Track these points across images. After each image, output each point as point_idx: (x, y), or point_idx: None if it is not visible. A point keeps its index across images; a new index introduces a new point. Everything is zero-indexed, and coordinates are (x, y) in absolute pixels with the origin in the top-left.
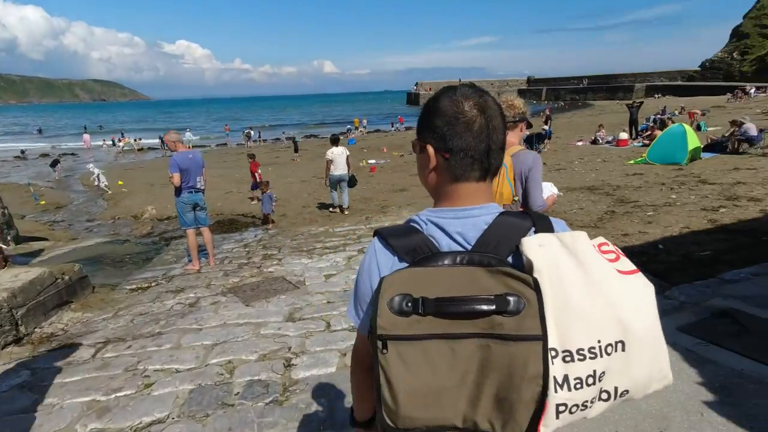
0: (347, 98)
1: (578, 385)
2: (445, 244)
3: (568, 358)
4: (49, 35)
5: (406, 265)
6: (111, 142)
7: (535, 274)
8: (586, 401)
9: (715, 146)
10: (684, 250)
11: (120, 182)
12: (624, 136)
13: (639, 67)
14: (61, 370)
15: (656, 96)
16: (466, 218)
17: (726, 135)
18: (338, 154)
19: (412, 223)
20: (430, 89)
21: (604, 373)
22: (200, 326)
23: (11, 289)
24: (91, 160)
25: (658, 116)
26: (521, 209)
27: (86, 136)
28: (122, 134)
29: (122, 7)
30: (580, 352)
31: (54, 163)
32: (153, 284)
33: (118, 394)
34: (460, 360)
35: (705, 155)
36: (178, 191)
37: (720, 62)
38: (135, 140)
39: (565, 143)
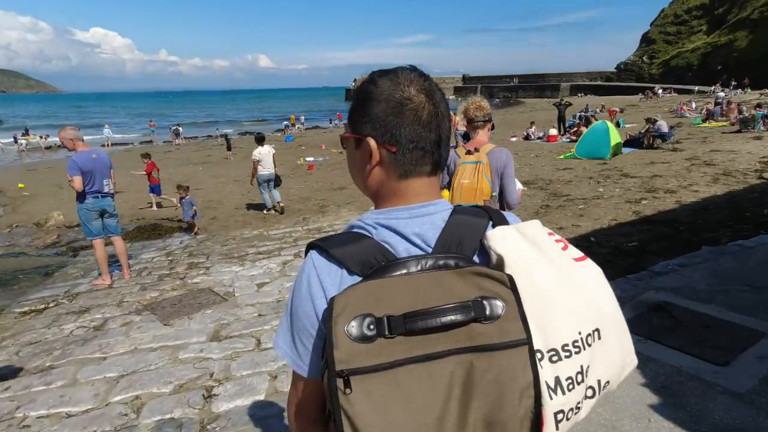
0: (284, 94)
1: (570, 386)
2: (402, 249)
3: (555, 358)
4: None
5: (359, 279)
6: (12, 139)
7: (507, 270)
8: (579, 402)
9: (633, 142)
10: (614, 241)
11: (21, 185)
12: (554, 132)
13: (564, 68)
14: None
15: (579, 95)
16: (422, 216)
17: (642, 131)
18: (266, 153)
19: (356, 230)
20: None
21: (589, 366)
22: (105, 354)
23: None
24: None
25: (583, 113)
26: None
27: None
28: (26, 130)
29: None
30: (565, 348)
31: None
32: (51, 305)
33: None
34: (440, 385)
35: (625, 150)
36: (81, 196)
37: (632, 65)
38: (41, 137)
39: (500, 139)
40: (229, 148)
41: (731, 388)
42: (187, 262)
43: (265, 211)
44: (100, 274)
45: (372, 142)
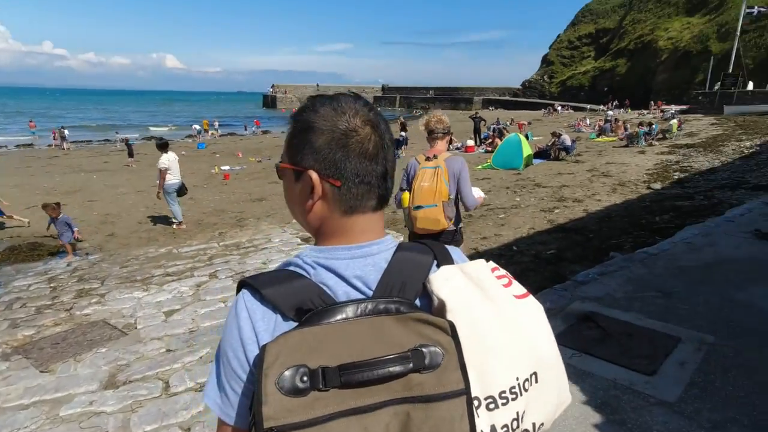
0: (196, 97)
1: None
2: (341, 292)
3: (492, 405)
4: None
5: (294, 324)
6: None
7: (449, 316)
8: None
9: (541, 154)
10: (534, 249)
11: None
12: (471, 143)
13: (476, 83)
14: None
15: (491, 108)
16: (365, 257)
17: (549, 144)
18: (173, 160)
19: (292, 267)
20: (287, 92)
21: (525, 412)
22: None
23: None
24: None
25: (496, 126)
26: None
27: None
28: None
29: None
30: (503, 395)
31: None
32: None
33: None
34: None
35: (536, 161)
36: None
37: (535, 83)
38: None
39: (421, 148)
40: (131, 155)
41: (663, 397)
42: (76, 288)
43: (174, 226)
44: None
45: (314, 176)
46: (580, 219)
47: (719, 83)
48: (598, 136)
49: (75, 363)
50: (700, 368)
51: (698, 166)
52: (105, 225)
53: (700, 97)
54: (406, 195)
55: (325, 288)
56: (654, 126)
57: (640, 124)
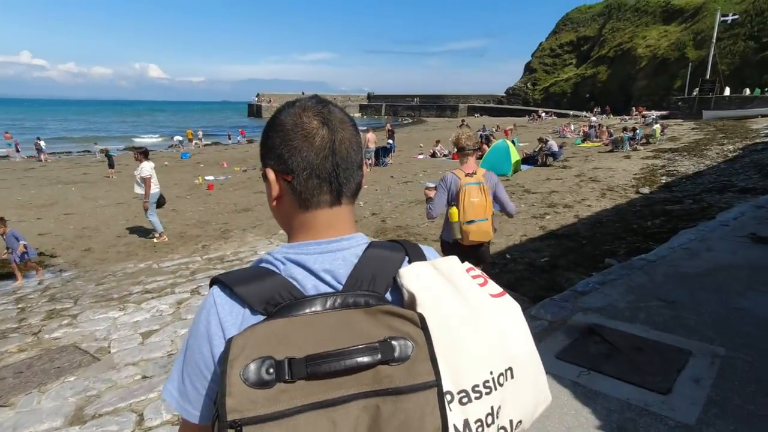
0: (180, 107)
1: (480, 428)
2: (310, 286)
3: (465, 399)
4: None
5: (262, 318)
6: None
7: (419, 309)
8: None
9: (529, 160)
10: (527, 257)
11: None
12: None
13: (461, 90)
14: None
15: (476, 115)
16: (334, 252)
17: (536, 150)
18: (153, 168)
19: (264, 264)
20: (272, 101)
21: (500, 407)
22: None
23: None
24: None
25: (482, 133)
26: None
27: None
28: None
29: None
30: (476, 389)
31: None
32: None
33: None
34: None
35: (524, 167)
36: None
37: (519, 90)
38: None
39: (407, 156)
40: (111, 166)
41: (682, 420)
42: (46, 309)
43: (156, 239)
44: None
45: (270, 174)
46: (572, 225)
47: (697, 89)
48: (583, 141)
49: (39, 395)
50: (716, 384)
51: (684, 170)
52: (81, 239)
53: (679, 103)
54: (455, 210)
55: (293, 282)
56: (638, 131)
57: (624, 129)
